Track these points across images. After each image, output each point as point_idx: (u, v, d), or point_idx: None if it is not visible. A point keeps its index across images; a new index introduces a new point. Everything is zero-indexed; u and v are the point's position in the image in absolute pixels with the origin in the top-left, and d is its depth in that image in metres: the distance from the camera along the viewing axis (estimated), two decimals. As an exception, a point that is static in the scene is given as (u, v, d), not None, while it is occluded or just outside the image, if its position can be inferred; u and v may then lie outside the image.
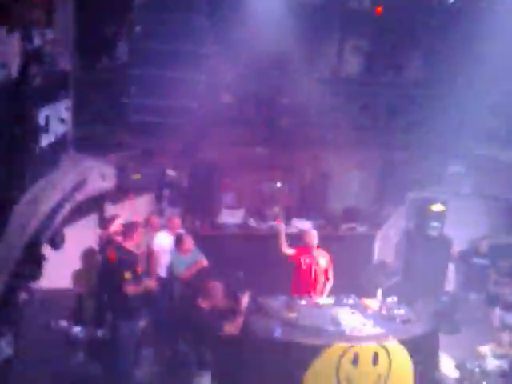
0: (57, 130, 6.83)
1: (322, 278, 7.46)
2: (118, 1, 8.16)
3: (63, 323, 6.97)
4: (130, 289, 6.35)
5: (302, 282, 7.43)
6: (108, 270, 6.67)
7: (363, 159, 9.58)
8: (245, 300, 6.04)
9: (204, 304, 5.94)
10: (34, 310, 6.29)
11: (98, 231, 7.88)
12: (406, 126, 9.65)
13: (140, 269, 6.78)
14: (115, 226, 7.34)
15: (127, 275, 6.28)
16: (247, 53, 8.87)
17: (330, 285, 7.52)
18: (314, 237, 7.47)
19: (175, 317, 6.68)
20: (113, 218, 7.58)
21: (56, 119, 6.81)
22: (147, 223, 8.03)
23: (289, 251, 7.47)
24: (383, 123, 9.70)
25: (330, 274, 7.53)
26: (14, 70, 5.57)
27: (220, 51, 8.61)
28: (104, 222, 7.83)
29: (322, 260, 7.48)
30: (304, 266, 7.40)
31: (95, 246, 7.91)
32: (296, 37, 8.98)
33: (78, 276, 8.18)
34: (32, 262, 5.03)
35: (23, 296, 5.55)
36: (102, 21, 8.14)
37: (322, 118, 9.30)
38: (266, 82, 9.19)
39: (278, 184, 9.33)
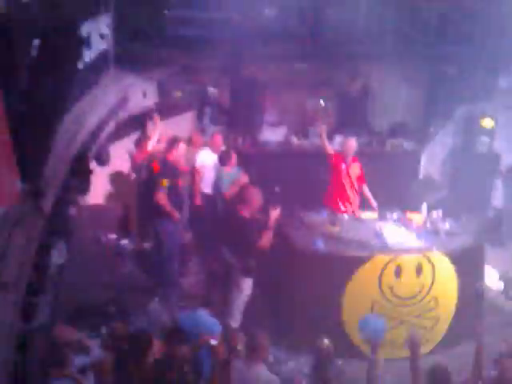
0: (98, 45, 6.81)
1: (354, 189, 7.52)
2: None
3: (112, 236, 7.23)
4: (161, 196, 6.46)
5: (334, 190, 7.51)
6: (150, 180, 6.81)
7: (411, 73, 9.21)
8: (274, 213, 5.96)
9: (244, 211, 6.01)
10: (83, 223, 6.52)
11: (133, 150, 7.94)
12: (457, 38, 9.16)
13: (181, 181, 6.89)
14: (155, 144, 7.42)
15: (164, 182, 6.39)
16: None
17: (370, 197, 7.49)
18: (351, 146, 7.48)
19: (218, 226, 6.79)
20: (148, 138, 7.63)
21: (97, 35, 6.77)
22: (190, 140, 8.09)
23: (329, 150, 7.60)
24: (433, 35, 9.22)
25: (365, 189, 7.52)
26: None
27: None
28: (139, 142, 7.87)
29: (356, 170, 7.52)
30: (338, 173, 7.46)
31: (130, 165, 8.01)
32: None
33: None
34: (80, 175, 5.15)
35: (72, 209, 5.72)
36: None
37: (370, 29, 8.90)
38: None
39: (321, 101, 9.10)
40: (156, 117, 7.73)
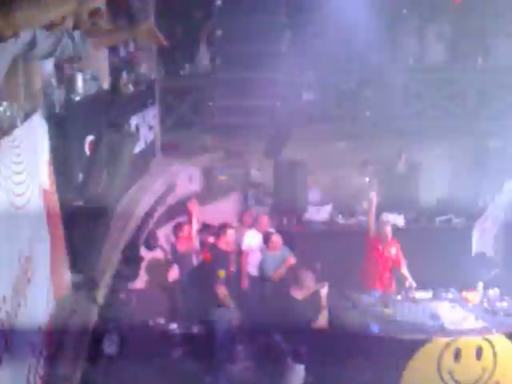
0: (146, 136, 7.11)
1: (389, 270, 7.34)
2: (198, 6, 8.36)
3: (160, 321, 7.19)
4: (221, 289, 6.45)
5: (370, 271, 7.34)
6: (203, 269, 6.82)
7: (454, 148, 9.19)
8: (324, 291, 5.96)
9: (297, 293, 5.92)
10: (132, 309, 6.54)
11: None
12: (497, 112, 9.18)
13: (232, 269, 6.90)
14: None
15: (221, 273, 6.39)
16: (325, 47, 8.82)
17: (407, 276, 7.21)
18: (388, 230, 7.36)
19: (268, 309, 6.69)
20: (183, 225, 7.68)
21: (145, 126, 7.09)
22: (241, 221, 8.15)
23: (372, 228, 7.44)
24: (473, 110, 9.27)
25: (403, 266, 7.29)
26: (105, 82, 5.83)
27: (299, 49, 8.60)
28: (179, 229, 7.86)
29: (394, 251, 7.34)
30: (376, 255, 7.30)
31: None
32: (374, 27, 8.82)
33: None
34: (130, 262, 5.23)
35: (122, 296, 5.77)
36: (183, 27, 8.37)
37: (408, 107, 9.03)
38: (346, 76, 9.07)
39: (367, 179, 9.11)
40: (193, 200, 7.76)
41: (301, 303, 5.92)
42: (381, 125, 8.83)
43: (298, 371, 5.91)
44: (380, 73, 8.93)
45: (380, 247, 7.34)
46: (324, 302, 5.91)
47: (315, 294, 6.04)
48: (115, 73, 6.01)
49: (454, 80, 9.29)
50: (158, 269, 8.22)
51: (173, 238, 7.70)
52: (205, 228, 7.72)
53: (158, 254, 7.95)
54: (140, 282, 7.61)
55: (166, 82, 8.10)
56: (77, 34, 3.06)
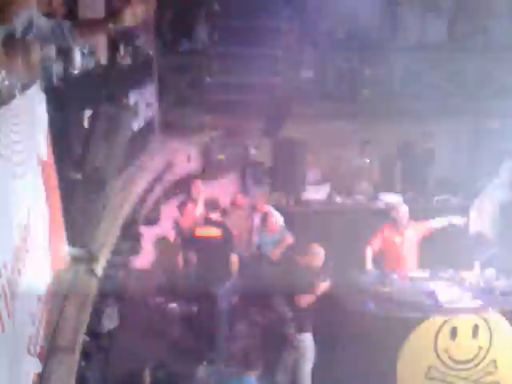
0: (145, 114, 7.05)
1: (412, 255, 7.09)
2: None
3: (160, 299, 7.22)
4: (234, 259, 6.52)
5: (389, 260, 7.11)
6: (209, 243, 6.89)
7: (452, 128, 9.16)
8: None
9: (302, 260, 5.99)
10: (132, 286, 6.57)
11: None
12: (497, 91, 9.13)
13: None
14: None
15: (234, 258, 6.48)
16: (326, 25, 8.73)
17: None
18: (405, 213, 6.98)
19: (272, 274, 6.75)
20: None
21: (143, 103, 7.03)
22: (233, 202, 8.13)
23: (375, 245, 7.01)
24: (472, 90, 9.21)
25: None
26: (103, 57, 5.77)
27: (298, 25, 8.51)
28: (183, 206, 7.88)
29: (413, 235, 7.06)
30: (391, 246, 7.02)
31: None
32: (375, 5, 8.75)
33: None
34: (130, 239, 5.23)
35: (122, 272, 5.79)
36: (181, 3, 8.26)
37: (407, 87, 8.97)
38: (346, 54, 9.00)
39: (367, 159, 9.08)
40: (197, 182, 7.79)
41: (303, 268, 5.97)
42: (380, 104, 8.78)
43: (307, 341, 5.93)
44: (380, 52, 8.86)
45: (397, 239, 6.98)
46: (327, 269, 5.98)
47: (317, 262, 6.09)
48: (112, 46, 5.94)
49: (453, 59, 9.22)
50: (165, 249, 8.26)
51: (177, 215, 7.74)
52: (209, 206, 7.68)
53: (162, 232, 7.97)
54: (144, 261, 7.66)
55: (163, 59, 8.00)
56: (66, 23, 3.10)
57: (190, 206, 7.70)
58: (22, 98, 2.83)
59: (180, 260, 7.45)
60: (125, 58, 5.88)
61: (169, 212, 7.87)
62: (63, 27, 3.06)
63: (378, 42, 8.88)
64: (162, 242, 8.22)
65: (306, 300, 5.87)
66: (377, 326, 5.92)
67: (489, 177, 8.98)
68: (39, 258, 2.91)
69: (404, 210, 7.08)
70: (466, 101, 9.00)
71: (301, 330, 5.90)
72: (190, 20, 8.41)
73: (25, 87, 3.07)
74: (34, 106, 3.12)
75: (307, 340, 5.95)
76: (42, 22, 3.01)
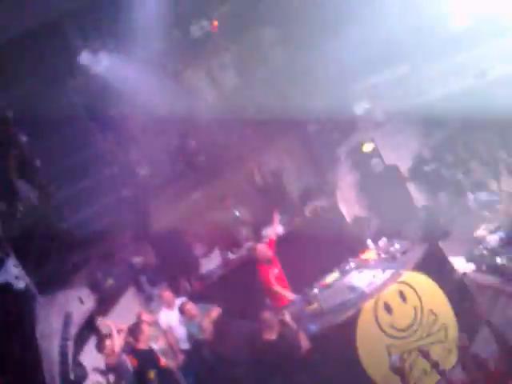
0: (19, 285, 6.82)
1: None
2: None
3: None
4: None
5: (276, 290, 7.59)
6: (136, 375, 6.82)
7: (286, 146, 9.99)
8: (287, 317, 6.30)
9: (270, 335, 6.15)
10: None
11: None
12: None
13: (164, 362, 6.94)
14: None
15: (151, 374, 6.45)
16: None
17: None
18: (264, 251, 7.68)
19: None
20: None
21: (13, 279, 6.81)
22: (139, 319, 7.93)
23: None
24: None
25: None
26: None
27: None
28: (102, 346, 7.63)
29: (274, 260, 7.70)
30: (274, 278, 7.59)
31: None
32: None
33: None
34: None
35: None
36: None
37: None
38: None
39: (236, 212, 9.52)
40: (102, 322, 7.64)
41: (278, 341, 6.13)
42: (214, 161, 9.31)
43: None
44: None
45: (273, 271, 7.63)
46: (293, 325, 6.17)
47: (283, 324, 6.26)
48: None
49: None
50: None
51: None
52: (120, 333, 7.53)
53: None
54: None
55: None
56: None
57: (107, 343, 7.46)
58: None
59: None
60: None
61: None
62: None
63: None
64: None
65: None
66: (326, 340, 6.23)
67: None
68: None
69: (260, 248, 7.77)
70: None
71: None
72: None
73: None
74: None
75: None
76: None
